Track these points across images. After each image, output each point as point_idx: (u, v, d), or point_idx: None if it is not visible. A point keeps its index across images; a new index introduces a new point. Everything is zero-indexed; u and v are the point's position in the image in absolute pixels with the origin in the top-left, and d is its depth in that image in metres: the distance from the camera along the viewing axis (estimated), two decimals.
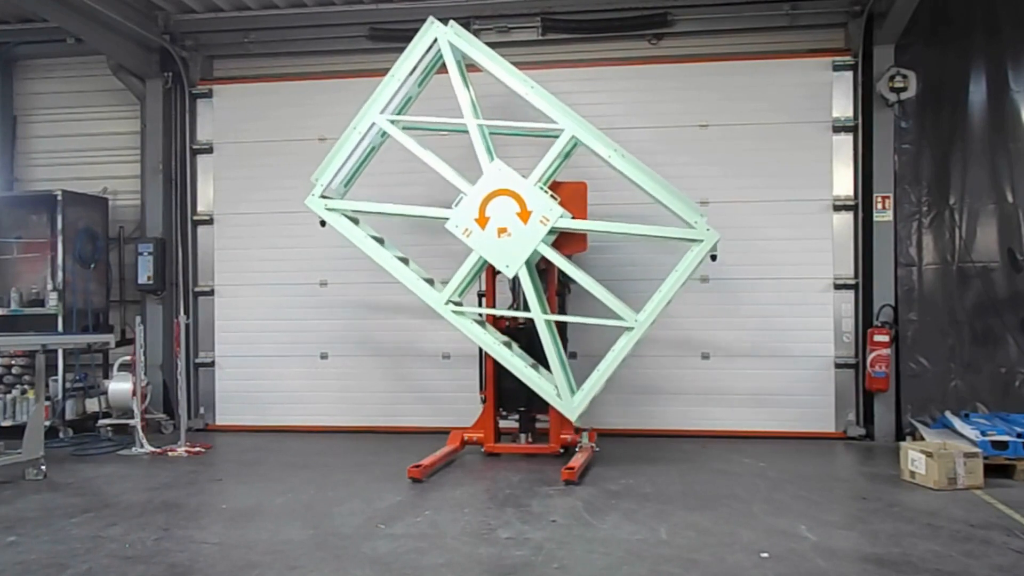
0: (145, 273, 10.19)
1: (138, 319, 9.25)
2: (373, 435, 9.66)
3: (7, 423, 9.28)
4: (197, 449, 8.80)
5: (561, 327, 8.18)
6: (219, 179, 10.45)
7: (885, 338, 8.95)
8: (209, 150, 10.49)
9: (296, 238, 9.87)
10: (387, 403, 9.93)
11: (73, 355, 9.75)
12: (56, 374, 9.47)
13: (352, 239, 7.88)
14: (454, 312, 7.63)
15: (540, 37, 9.80)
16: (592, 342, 8.50)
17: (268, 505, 6.47)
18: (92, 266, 10.18)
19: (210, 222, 10.46)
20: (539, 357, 7.75)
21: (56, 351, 9.32)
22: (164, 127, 10.41)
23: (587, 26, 9.76)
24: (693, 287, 9.25)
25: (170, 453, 8.65)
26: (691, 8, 9.53)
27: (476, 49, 7.74)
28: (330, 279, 10.03)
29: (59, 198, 9.77)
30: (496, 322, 8.13)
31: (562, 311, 8.31)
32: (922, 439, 7.99)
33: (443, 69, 7.82)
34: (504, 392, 8.33)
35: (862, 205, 9.32)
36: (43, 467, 7.39)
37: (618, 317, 7.35)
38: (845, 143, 9.42)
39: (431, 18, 7.79)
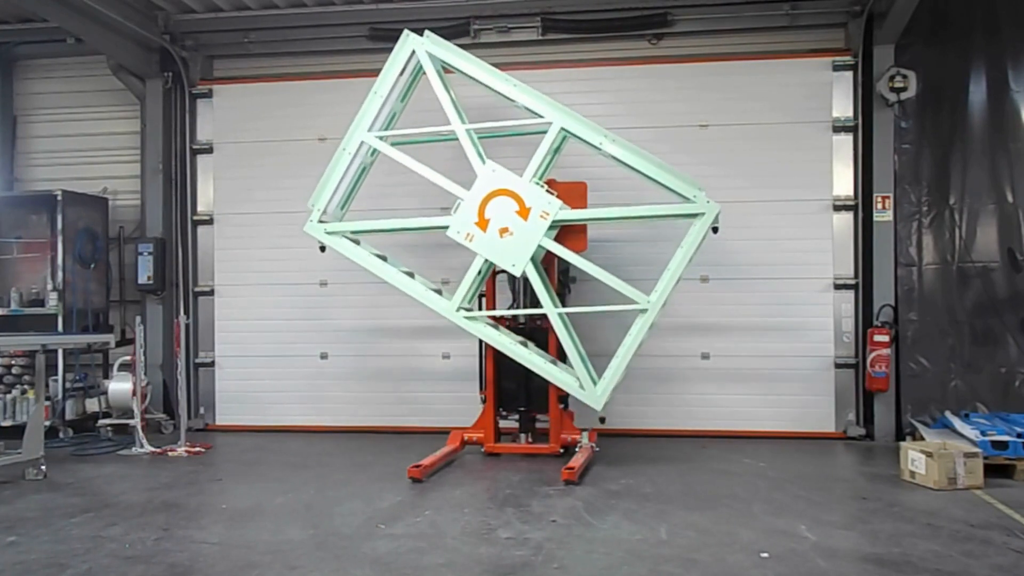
0: (145, 273, 10.19)
1: (138, 319, 9.25)
2: (373, 435, 9.66)
3: (7, 423, 9.28)
4: (197, 449, 8.80)
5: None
6: (219, 179, 10.46)
7: (885, 338, 8.95)
8: (209, 150, 10.49)
9: (296, 238, 9.77)
10: (387, 403, 9.93)
11: (73, 355, 9.75)
12: (56, 374, 9.47)
13: (356, 260, 7.88)
14: (466, 318, 7.62)
15: (540, 37, 9.80)
16: (595, 341, 8.47)
17: (268, 505, 6.47)
18: (92, 266, 10.18)
19: (210, 222, 10.46)
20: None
21: (56, 351, 9.32)
22: (164, 127, 10.41)
23: (587, 26, 9.76)
24: (693, 287, 9.28)
25: (170, 453, 8.65)
26: (691, 8, 9.53)
27: (454, 55, 7.77)
28: (330, 279, 10.02)
29: (59, 198, 9.77)
30: (495, 322, 8.13)
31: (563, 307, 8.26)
32: (922, 439, 7.99)
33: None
34: (504, 392, 8.34)
35: (862, 205, 9.32)
36: (43, 467, 7.39)
37: (627, 304, 7.33)
38: (845, 143, 9.42)
39: (406, 31, 7.83)
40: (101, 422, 9.41)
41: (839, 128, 9.41)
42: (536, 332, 8.14)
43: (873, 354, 8.95)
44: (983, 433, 7.44)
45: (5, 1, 9.65)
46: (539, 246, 7.40)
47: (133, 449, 8.72)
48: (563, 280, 8.71)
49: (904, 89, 8.91)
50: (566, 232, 7.68)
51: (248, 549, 5.31)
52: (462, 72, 7.78)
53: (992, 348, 9.20)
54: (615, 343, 7.53)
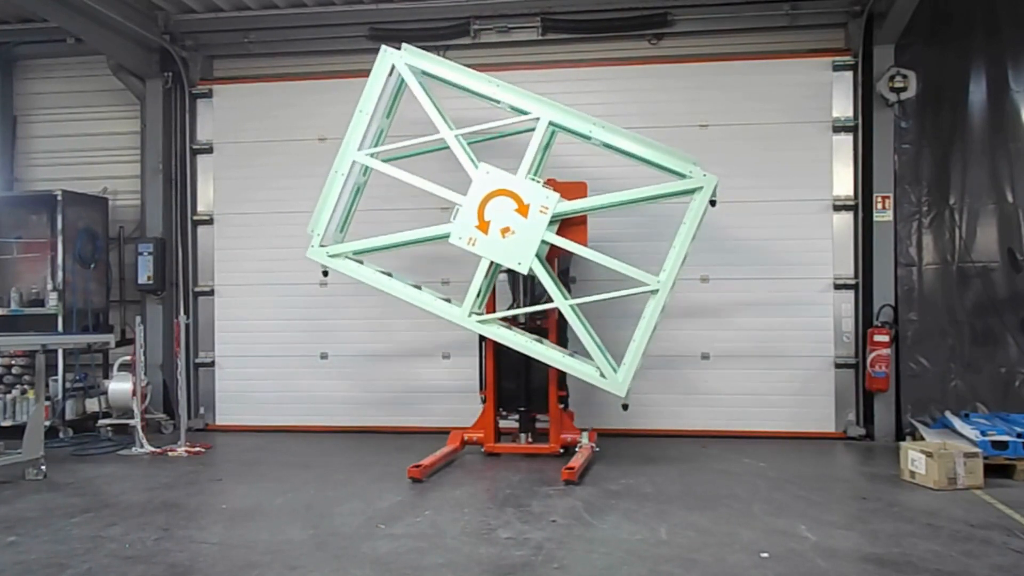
0: (145, 273, 10.19)
1: (138, 319, 9.25)
2: (373, 435, 9.65)
3: (7, 423, 9.27)
4: (197, 449, 8.80)
5: (561, 324, 8.18)
6: (219, 179, 10.45)
7: (885, 338, 8.95)
8: (209, 150, 10.48)
9: (296, 238, 9.78)
10: (387, 403, 9.93)
11: (73, 355, 9.75)
12: (56, 374, 9.46)
13: (363, 279, 7.86)
14: (479, 322, 7.60)
15: (540, 37, 9.80)
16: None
17: (268, 505, 6.47)
18: (92, 266, 10.18)
19: (210, 222, 10.46)
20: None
21: (56, 351, 9.32)
22: (164, 127, 10.40)
23: (587, 26, 9.76)
24: (693, 287, 9.28)
25: (170, 453, 8.65)
26: (691, 8, 9.53)
27: (432, 62, 7.82)
28: (330, 279, 9.98)
29: (59, 198, 9.76)
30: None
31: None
32: (922, 439, 7.99)
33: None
34: (504, 392, 8.34)
35: (862, 205, 9.32)
36: (43, 467, 7.39)
37: (636, 287, 7.33)
38: (845, 143, 9.42)
39: (383, 47, 7.87)
40: (101, 422, 9.41)
41: (839, 128, 9.41)
42: (537, 332, 8.11)
43: (873, 354, 8.95)
44: (983, 433, 7.44)
45: (5, 1, 9.65)
46: (542, 241, 7.40)
47: (133, 449, 8.72)
48: (563, 280, 8.70)
49: (904, 89, 8.91)
50: (566, 227, 7.66)
51: (248, 549, 5.31)
52: (443, 80, 7.82)
53: (992, 348, 9.20)
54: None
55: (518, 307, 8.16)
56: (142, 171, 10.63)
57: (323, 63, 10.27)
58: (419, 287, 7.92)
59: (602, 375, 7.39)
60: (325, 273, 8.02)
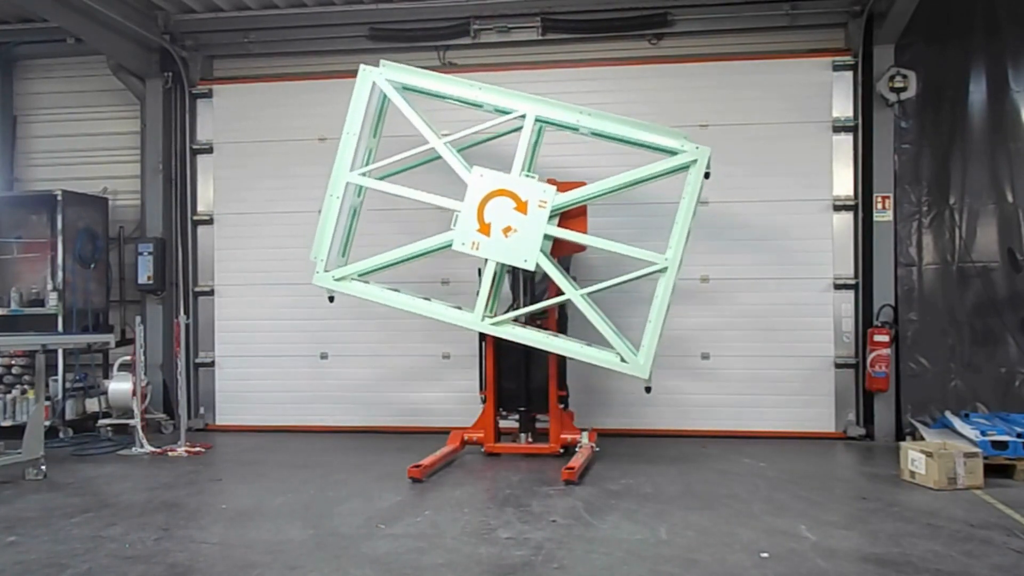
0: (145, 273, 10.19)
1: (138, 319, 9.25)
2: (373, 435, 9.65)
3: (7, 423, 9.27)
4: (197, 449, 8.80)
5: (561, 324, 8.19)
6: (219, 179, 10.45)
7: (885, 338, 8.95)
8: (209, 150, 10.48)
9: (296, 238, 9.83)
10: (387, 403, 9.92)
11: (73, 355, 9.74)
12: (56, 374, 9.46)
13: (372, 299, 7.87)
14: (493, 325, 7.60)
15: (540, 37, 9.80)
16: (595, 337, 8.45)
17: (268, 505, 6.47)
18: (92, 266, 10.18)
19: (210, 222, 10.46)
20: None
21: (56, 351, 9.32)
22: (164, 127, 10.40)
23: (587, 26, 9.76)
24: (693, 287, 9.28)
25: (170, 453, 8.65)
26: (691, 8, 9.53)
27: (412, 74, 7.87)
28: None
29: (59, 198, 9.76)
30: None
31: (563, 306, 8.22)
32: (922, 439, 8.00)
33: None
34: (504, 392, 8.34)
35: (862, 205, 9.32)
36: (43, 467, 7.39)
37: (646, 268, 7.35)
38: (845, 143, 9.42)
39: (362, 65, 7.93)
40: (101, 422, 9.42)
41: (839, 128, 9.41)
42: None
43: (873, 354, 8.95)
44: (983, 433, 7.44)
45: (5, 1, 9.65)
46: (545, 236, 7.40)
47: (133, 449, 8.72)
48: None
49: (904, 89, 8.91)
50: (566, 220, 7.66)
51: (248, 549, 5.31)
52: (424, 91, 7.85)
53: (992, 348, 9.20)
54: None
55: (519, 307, 8.15)
56: (142, 171, 10.62)
57: (323, 63, 10.27)
58: (428, 299, 7.93)
59: (623, 360, 7.38)
60: (331, 299, 8.00)
